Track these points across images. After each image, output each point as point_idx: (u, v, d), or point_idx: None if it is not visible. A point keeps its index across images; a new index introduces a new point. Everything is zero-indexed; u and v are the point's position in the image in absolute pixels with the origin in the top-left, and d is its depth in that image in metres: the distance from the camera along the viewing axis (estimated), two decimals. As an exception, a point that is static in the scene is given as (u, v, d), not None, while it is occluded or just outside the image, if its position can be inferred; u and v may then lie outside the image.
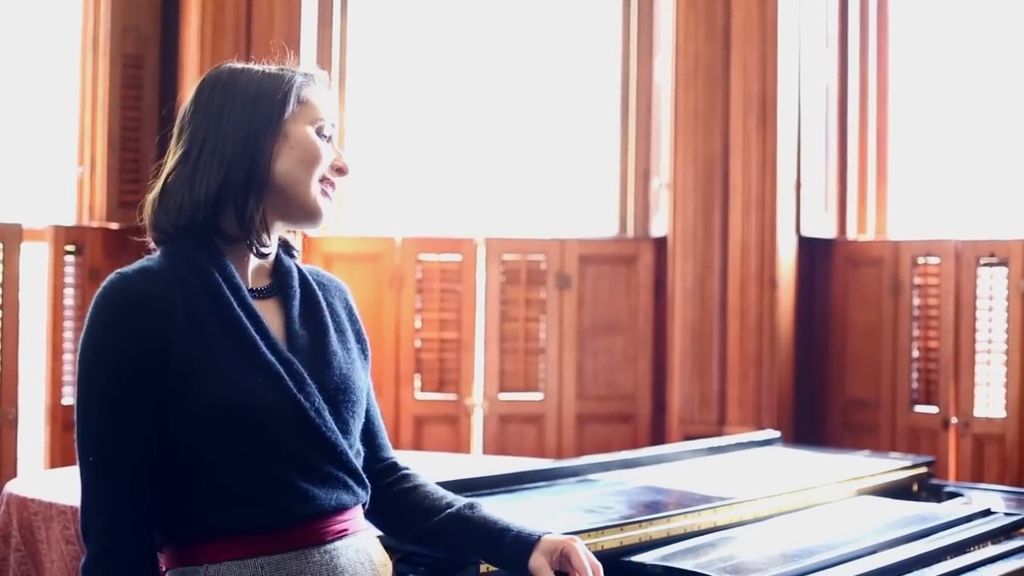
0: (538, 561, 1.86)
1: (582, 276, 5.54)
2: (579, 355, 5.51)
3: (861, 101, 5.53)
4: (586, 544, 1.91)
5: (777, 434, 3.40)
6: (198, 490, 1.76)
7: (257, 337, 1.80)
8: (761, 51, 5.28)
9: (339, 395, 1.85)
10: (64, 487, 3.43)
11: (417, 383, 5.51)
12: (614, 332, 5.55)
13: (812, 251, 5.43)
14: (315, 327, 1.89)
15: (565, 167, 5.84)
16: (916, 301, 5.20)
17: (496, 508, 1.97)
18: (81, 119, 5.39)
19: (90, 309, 1.77)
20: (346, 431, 1.86)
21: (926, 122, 5.52)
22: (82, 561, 1.75)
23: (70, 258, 5.15)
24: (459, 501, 1.97)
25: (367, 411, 1.95)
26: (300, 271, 1.95)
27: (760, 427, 4.92)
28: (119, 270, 1.79)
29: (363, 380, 1.93)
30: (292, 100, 1.86)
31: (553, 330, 5.51)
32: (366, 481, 1.89)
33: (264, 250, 1.88)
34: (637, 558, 2.18)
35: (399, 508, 1.99)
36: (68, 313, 5.13)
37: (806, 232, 5.36)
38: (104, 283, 1.78)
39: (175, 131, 1.88)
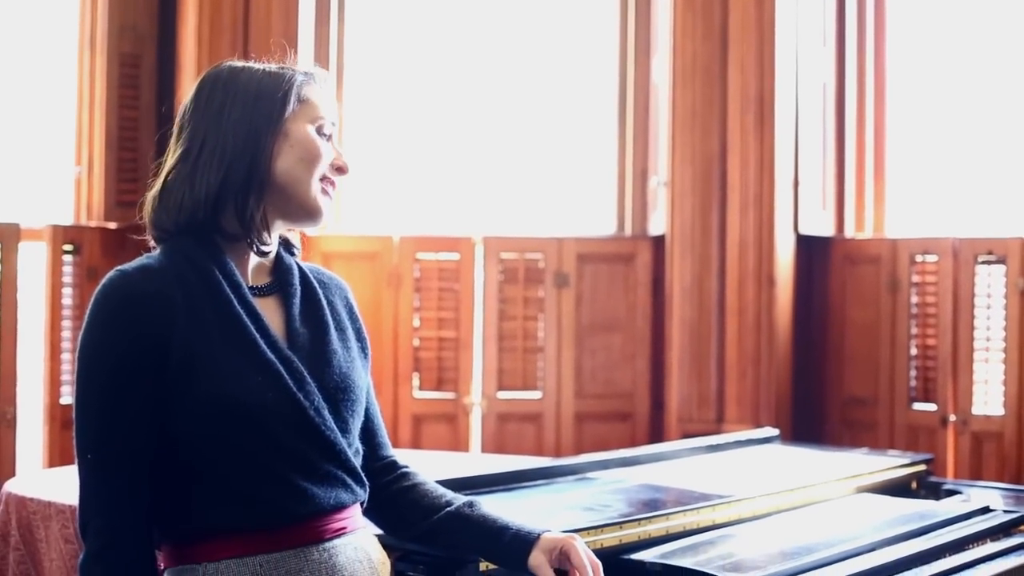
0: (537, 559, 1.87)
1: (580, 275, 5.54)
2: (577, 353, 5.51)
3: (859, 99, 5.53)
4: (585, 542, 1.91)
5: (775, 432, 3.40)
6: (197, 488, 1.76)
7: (257, 335, 1.80)
8: (759, 50, 5.28)
9: (339, 394, 1.85)
10: (63, 486, 3.43)
11: (415, 382, 5.51)
12: (612, 330, 5.55)
13: (810, 249, 5.43)
14: (315, 325, 1.89)
15: (563, 166, 5.84)
16: (914, 299, 5.20)
17: (495, 506, 1.97)
18: (79, 118, 5.38)
19: (90, 306, 1.77)
20: (345, 430, 1.86)
21: (923, 120, 5.52)
22: (80, 559, 1.74)
23: (68, 257, 5.14)
24: (458, 499, 1.97)
25: (367, 410, 1.95)
26: (301, 269, 1.95)
27: (758, 425, 4.92)
28: (119, 267, 1.79)
29: (363, 379, 1.93)
30: (292, 99, 1.86)
31: (551, 329, 5.51)
32: (364, 480, 1.89)
33: (264, 248, 1.88)
34: (636, 556, 2.18)
35: (398, 506, 1.99)
36: (66, 312, 5.12)
37: (804, 230, 5.36)
38: (104, 280, 1.77)
39: (175, 129, 1.88)
